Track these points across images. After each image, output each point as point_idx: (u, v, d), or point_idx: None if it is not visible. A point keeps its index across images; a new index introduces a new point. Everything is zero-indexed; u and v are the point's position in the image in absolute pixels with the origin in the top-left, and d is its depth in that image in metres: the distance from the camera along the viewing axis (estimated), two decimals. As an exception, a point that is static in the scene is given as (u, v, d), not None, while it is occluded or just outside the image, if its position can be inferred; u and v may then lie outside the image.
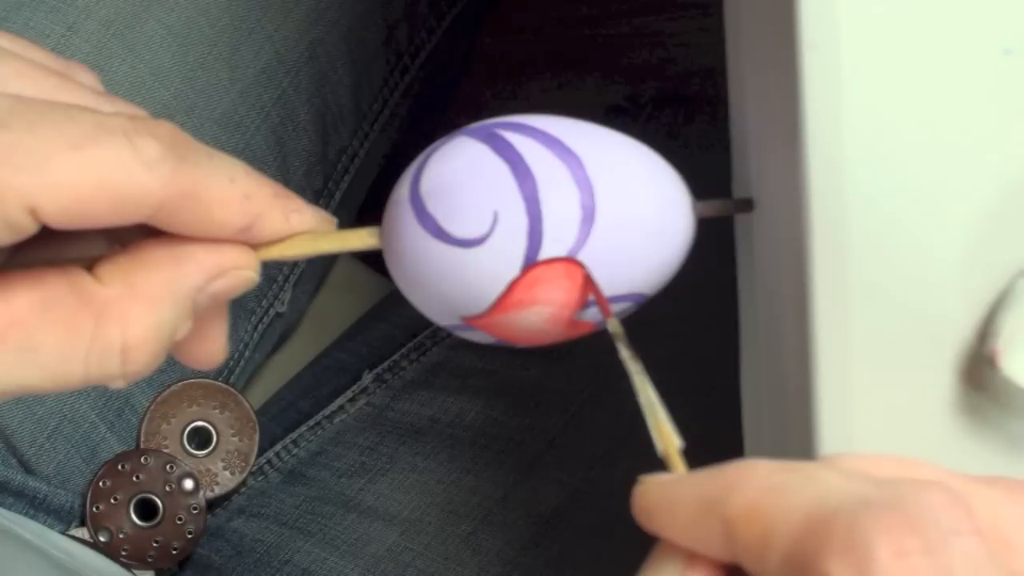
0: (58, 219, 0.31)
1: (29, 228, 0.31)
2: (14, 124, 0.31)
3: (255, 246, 0.35)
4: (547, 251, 0.34)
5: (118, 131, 0.32)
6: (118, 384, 0.33)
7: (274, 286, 0.72)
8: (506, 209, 0.34)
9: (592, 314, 0.36)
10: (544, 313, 0.35)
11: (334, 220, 0.37)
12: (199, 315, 0.35)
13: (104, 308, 0.32)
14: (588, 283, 0.35)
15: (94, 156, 0.31)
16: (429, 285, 0.36)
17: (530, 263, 0.34)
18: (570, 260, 0.34)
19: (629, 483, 0.70)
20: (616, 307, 0.36)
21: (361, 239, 0.37)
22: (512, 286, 0.34)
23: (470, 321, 0.36)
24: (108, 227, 0.32)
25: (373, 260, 0.80)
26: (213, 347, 0.37)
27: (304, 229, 0.36)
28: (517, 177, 0.35)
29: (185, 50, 0.66)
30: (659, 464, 0.76)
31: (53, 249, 0.36)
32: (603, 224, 0.35)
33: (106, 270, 0.33)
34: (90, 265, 0.33)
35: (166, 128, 0.33)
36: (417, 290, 0.36)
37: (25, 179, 0.30)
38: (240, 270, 0.35)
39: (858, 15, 0.32)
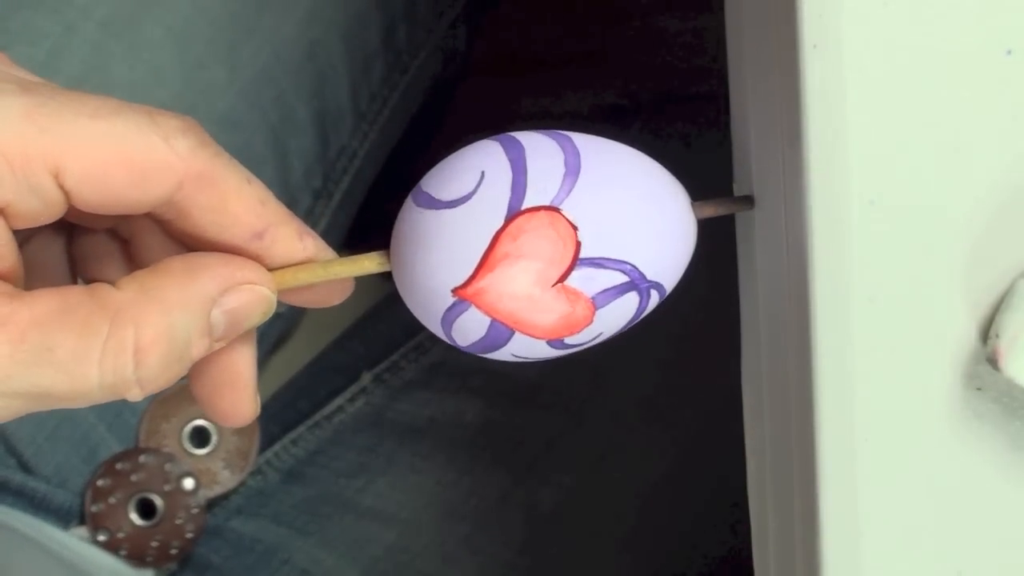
0: (80, 188, 0.32)
1: (56, 198, 0.32)
2: (39, 91, 0.32)
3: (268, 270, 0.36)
4: (530, 202, 0.35)
5: (140, 109, 0.33)
6: (134, 394, 0.33)
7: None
8: (492, 168, 0.35)
9: (583, 281, 0.35)
10: (531, 271, 0.35)
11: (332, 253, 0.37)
12: (219, 340, 0.35)
13: (118, 310, 0.33)
14: (573, 235, 0.35)
15: (115, 125, 0.32)
16: (421, 259, 0.36)
17: (514, 212, 0.35)
18: (552, 208, 0.35)
19: (628, 483, 0.71)
20: (610, 274, 0.35)
21: (373, 262, 0.37)
22: (497, 237, 0.35)
23: (460, 292, 0.35)
24: (130, 209, 0.33)
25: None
26: (240, 396, 0.37)
27: (314, 254, 0.36)
28: (506, 147, 0.36)
29: (184, 50, 0.66)
30: (657, 464, 0.76)
31: None
32: (587, 180, 0.35)
33: (124, 280, 0.34)
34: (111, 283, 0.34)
35: (188, 119, 0.34)
36: (412, 277, 0.36)
37: (49, 139, 0.31)
38: (253, 285, 0.35)
39: (860, 15, 0.32)
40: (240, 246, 0.35)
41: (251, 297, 0.35)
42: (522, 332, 0.36)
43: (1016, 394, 0.34)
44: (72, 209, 0.36)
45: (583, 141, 0.36)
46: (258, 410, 0.38)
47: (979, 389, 0.35)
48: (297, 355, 0.77)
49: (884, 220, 0.33)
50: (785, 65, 0.33)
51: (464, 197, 0.35)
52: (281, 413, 0.72)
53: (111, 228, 0.38)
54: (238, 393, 0.37)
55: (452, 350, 0.76)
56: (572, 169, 0.35)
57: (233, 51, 0.67)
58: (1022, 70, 0.33)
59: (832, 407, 0.35)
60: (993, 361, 0.33)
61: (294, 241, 0.35)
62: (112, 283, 0.37)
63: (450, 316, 0.36)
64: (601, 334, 0.36)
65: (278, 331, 0.74)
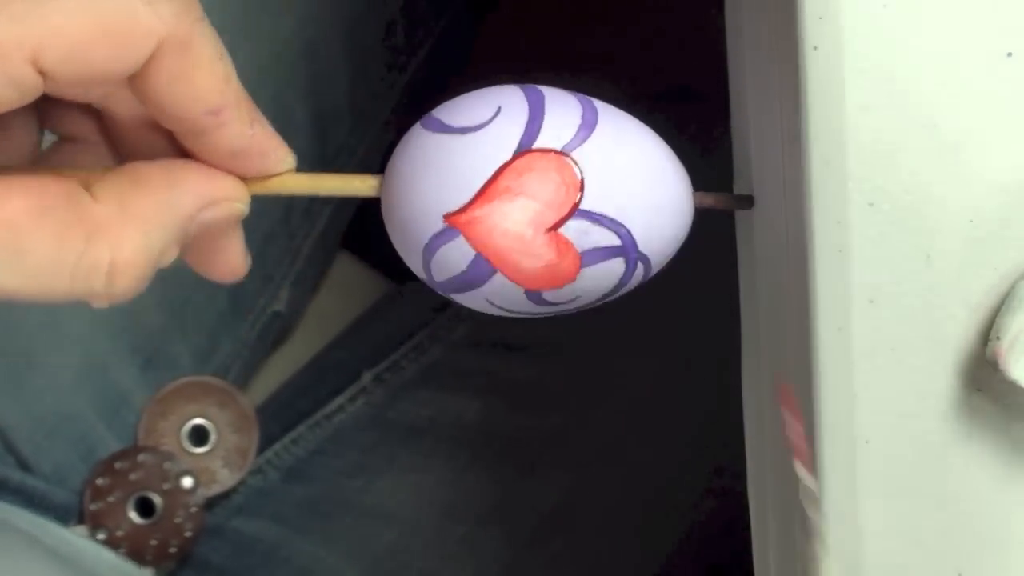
0: (61, 68, 0.31)
1: (34, 84, 0.31)
2: None
3: (251, 179, 0.36)
4: (542, 143, 0.35)
5: None
6: (99, 303, 0.33)
7: (271, 285, 0.72)
8: (509, 105, 0.35)
9: (577, 234, 0.35)
10: (529, 210, 0.35)
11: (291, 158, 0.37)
12: (186, 247, 0.35)
13: (97, 226, 0.32)
14: (577, 184, 0.35)
15: None
16: (419, 179, 0.35)
17: (523, 149, 0.35)
18: (562, 153, 0.35)
19: (628, 482, 0.71)
20: (604, 233, 0.35)
21: (365, 183, 0.37)
22: (501, 169, 0.35)
23: (451, 219, 0.35)
24: (109, 79, 0.32)
25: (372, 258, 0.80)
26: (231, 259, 0.37)
27: (261, 142, 0.36)
28: (527, 91, 0.36)
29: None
30: (657, 464, 0.76)
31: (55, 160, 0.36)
32: (600, 136, 0.35)
33: (101, 188, 0.33)
34: (87, 184, 0.33)
35: None
36: (404, 197, 0.36)
37: (25, 28, 0.30)
38: (231, 201, 0.35)
39: (860, 17, 0.32)
40: (193, 119, 0.34)
41: (226, 212, 0.35)
42: (504, 273, 0.35)
43: (1017, 395, 0.34)
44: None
45: (602, 105, 0.36)
46: (250, 263, 0.38)
47: (980, 391, 0.35)
48: (296, 354, 0.76)
49: (884, 220, 0.33)
50: (785, 66, 0.33)
51: (476, 126, 0.35)
52: (281, 412, 0.72)
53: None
54: (228, 255, 0.37)
55: (452, 350, 0.76)
56: (588, 123, 0.35)
57: (231, 51, 0.67)
58: (1022, 72, 0.33)
59: (832, 407, 0.35)
60: (994, 363, 0.33)
61: (244, 125, 0.35)
62: (83, 140, 0.36)
63: (434, 244, 0.35)
64: (579, 298, 0.36)
65: (276, 330, 0.74)
